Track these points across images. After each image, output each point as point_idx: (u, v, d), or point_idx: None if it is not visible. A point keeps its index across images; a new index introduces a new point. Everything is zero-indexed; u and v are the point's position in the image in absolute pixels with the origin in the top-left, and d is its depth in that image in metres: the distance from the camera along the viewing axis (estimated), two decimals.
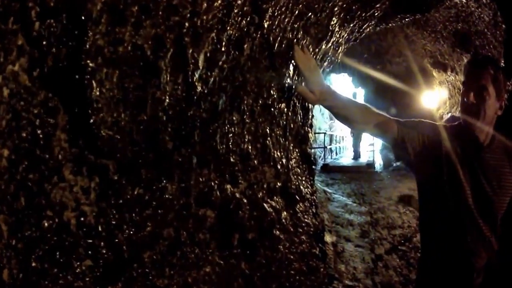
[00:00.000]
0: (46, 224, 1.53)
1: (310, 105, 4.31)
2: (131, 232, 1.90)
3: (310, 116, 4.41)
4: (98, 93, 1.59)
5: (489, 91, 2.67)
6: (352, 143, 22.27)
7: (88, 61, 1.56)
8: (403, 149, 3.02)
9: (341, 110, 3.02)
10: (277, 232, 3.19)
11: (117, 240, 1.82)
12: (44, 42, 1.44)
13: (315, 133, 20.20)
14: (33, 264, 1.49)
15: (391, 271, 5.54)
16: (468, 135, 2.84)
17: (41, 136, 1.49)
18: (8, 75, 1.38)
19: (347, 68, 15.47)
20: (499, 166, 2.80)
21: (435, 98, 13.90)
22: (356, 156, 20.89)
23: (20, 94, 1.41)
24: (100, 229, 1.72)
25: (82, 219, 1.64)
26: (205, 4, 2.05)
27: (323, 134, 20.95)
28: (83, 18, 1.50)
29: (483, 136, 2.82)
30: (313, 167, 4.53)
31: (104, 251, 1.74)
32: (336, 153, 24.31)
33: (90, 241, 1.67)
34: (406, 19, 7.79)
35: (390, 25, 7.79)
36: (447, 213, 2.91)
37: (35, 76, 1.45)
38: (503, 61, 7.41)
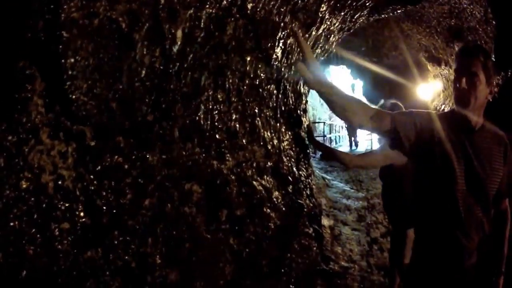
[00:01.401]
0: (24, 185, 1.64)
1: (302, 90, 4.39)
2: (110, 199, 2.00)
3: (303, 101, 4.49)
4: (72, 60, 1.69)
5: (479, 77, 2.77)
6: (348, 133, 22.46)
7: (63, 32, 1.66)
8: (397, 139, 3.08)
9: (338, 100, 3.07)
10: (268, 210, 3.28)
11: (95, 206, 1.92)
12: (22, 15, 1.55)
13: (314, 123, 20.37)
14: (11, 224, 1.60)
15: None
16: (460, 120, 2.91)
17: (18, 100, 1.61)
18: None
19: (346, 60, 15.59)
20: (490, 149, 2.88)
21: (429, 91, 14.06)
22: (354, 144, 21.08)
23: None
24: (77, 193, 1.82)
25: (59, 182, 1.75)
26: None
27: (322, 124, 21.35)
28: None
29: (475, 120, 2.90)
30: (308, 151, 4.60)
31: (82, 215, 1.84)
32: (336, 142, 24.61)
33: (67, 204, 1.78)
34: (398, 11, 7.87)
35: (383, 15, 7.87)
36: (440, 195, 2.97)
37: (13, 46, 1.56)
38: (493, 56, 7.55)
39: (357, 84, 24.27)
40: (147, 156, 2.22)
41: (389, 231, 6.10)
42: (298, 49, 3.30)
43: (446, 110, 5.65)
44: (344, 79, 25.88)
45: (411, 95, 14.73)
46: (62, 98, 1.71)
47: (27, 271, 1.64)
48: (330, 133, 23.47)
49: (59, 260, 1.76)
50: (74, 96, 1.71)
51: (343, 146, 23.04)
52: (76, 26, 1.70)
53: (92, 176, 1.90)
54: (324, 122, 21.49)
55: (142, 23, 1.95)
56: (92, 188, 1.91)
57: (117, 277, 2.08)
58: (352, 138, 21.70)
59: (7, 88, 1.59)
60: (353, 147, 21.10)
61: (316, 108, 22.42)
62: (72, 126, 1.78)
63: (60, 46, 1.66)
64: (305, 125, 4.46)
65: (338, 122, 25.65)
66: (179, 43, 2.20)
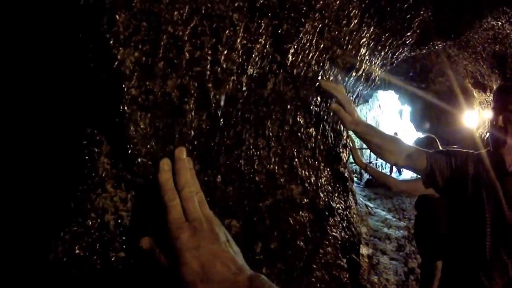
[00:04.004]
0: (90, 223, 2.13)
1: (342, 128, 4.73)
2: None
3: (343, 137, 4.82)
4: (133, 130, 2.15)
5: None
6: None
7: (125, 108, 2.13)
8: (432, 177, 3.24)
9: (374, 138, 3.26)
10: (301, 243, 3.65)
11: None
12: (89, 96, 2.03)
13: (361, 149, 20.37)
14: (77, 252, 2.08)
15: None
16: (495, 161, 3.08)
17: (88, 159, 2.10)
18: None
19: (394, 85, 15.59)
20: None
21: (475, 118, 13.75)
22: (397, 171, 20.80)
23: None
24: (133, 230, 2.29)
25: (119, 221, 2.22)
26: (225, 53, 2.57)
27: (368, 150, 21.26)
28: (118, 75, 2.07)
29: (509, 162, 3.06)
30: (348, 184, 4.92)
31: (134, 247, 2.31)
32: (382, 167, 24.32)
33: (125, 238, 2.24)
34: (439, 45, 8.03)
35: (423, 51, 8.06)
36: (468, 235, 3.15)
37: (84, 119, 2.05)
38: None
39: (405, 110, 24.07)
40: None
41: None
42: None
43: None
44: (392, 104, 25.71)
45: (457, 122, 14.57)
46: (125, 159, 2.18)
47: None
48: (376, 159, 23.32)
49: (115, 280, 2.24)
50: (136, 159, 2.17)
51: (389, 173, 22.97)
52: (136, 102, 2.16)
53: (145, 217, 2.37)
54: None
55: (190, 94, 2.39)
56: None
57: None
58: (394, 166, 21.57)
59: (79, 150, 2.09)
60: (397, 174, 20.91)
61: None
62: (132, 179, 2.24)
63: (123, 120, 2.13)
64: (345, 160, 4.80)
65: None
66: (222, 105, 2.63)
